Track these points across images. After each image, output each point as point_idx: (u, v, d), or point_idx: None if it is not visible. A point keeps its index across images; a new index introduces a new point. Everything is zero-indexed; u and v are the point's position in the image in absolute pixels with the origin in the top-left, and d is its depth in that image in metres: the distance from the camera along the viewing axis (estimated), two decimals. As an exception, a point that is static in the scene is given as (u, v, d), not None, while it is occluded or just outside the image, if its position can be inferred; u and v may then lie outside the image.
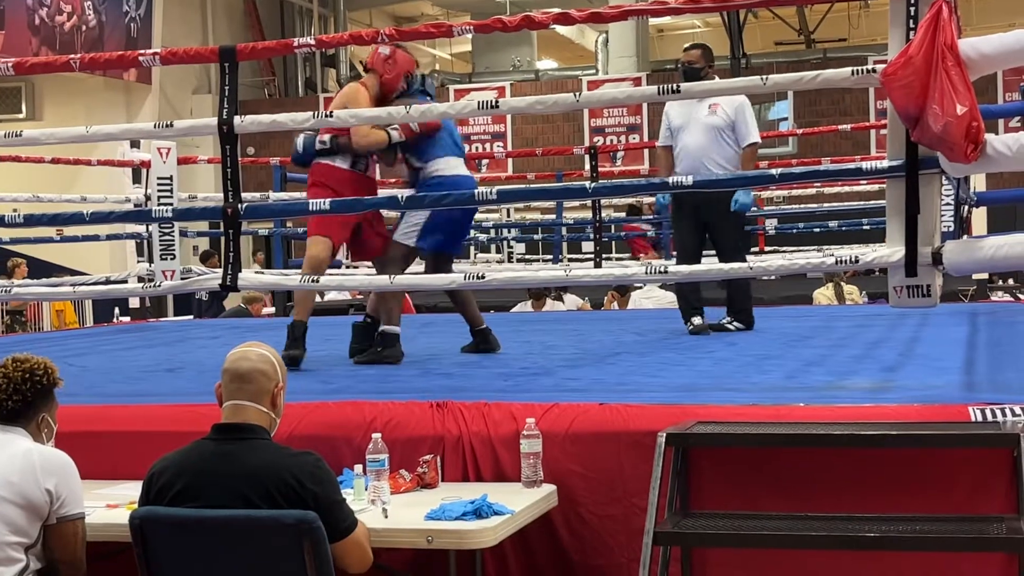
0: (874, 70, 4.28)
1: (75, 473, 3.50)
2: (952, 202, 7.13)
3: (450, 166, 6.08)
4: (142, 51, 5.37)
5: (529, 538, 3.90)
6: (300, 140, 6.08)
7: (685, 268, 4.89)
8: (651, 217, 14.55)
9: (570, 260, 15.13)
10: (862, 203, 13.67)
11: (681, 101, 6.88)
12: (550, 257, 16.33)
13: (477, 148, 21.93)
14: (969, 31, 4.94)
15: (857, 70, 4.40)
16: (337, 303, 13.07)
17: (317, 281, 5.31)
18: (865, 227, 13.01)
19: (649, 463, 3.68)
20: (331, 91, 23.64)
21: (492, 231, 16.67)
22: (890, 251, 4.26)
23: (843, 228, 13.39)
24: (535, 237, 16.45)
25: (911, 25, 4.14)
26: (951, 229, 7.18)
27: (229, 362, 3.43)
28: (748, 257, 7.16)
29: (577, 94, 4.85)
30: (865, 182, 12.26)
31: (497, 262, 17.27)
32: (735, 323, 7.21)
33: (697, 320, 7.08)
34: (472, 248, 17.60)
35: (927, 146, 4.10)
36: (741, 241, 7.31)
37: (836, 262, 4.63)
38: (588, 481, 3.93)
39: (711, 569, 3.84)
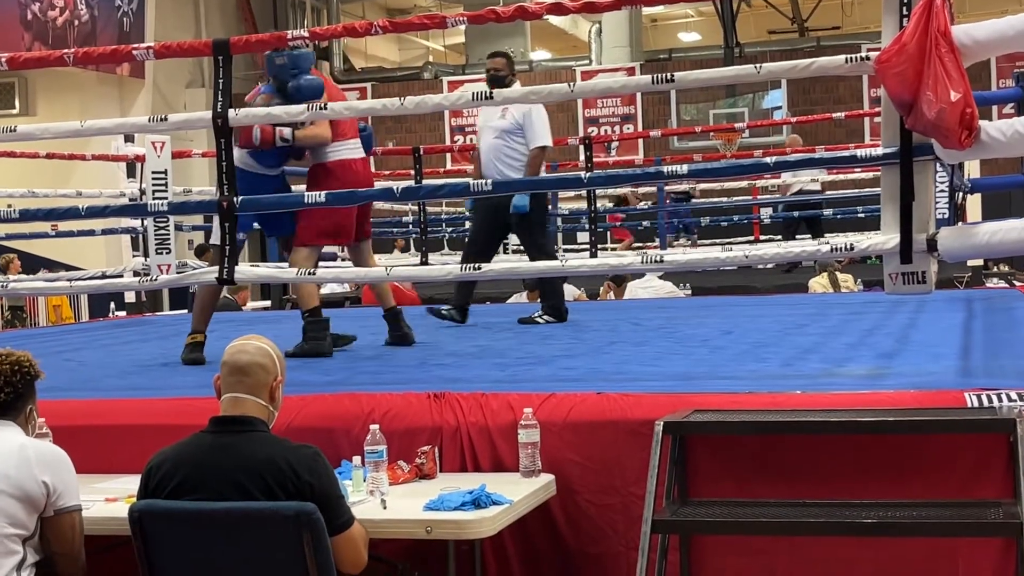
0: (868, 57, 4.28)
1: (70, 467, 3.51)
2: (946, 189, 7.15)
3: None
4: (136, 45, 5.37)
5: (528, 528, 3.90)
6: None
7: (682, 257, 4.90)
8: (636, 208, 14.58)
9: (565, 250, 15.11)
10: (857, 191, 13.70)
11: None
12: (545, 248, 16.32)
13: (471, 139, 21.92)
14: (962, 18, 4.94)
15: (851, 58, 4.40)
16: (334, 296, 13.09)
17: (313, 274, 5.32)
18: (860, 215, 13.05)
19: (646, 452, 3.69)
20: (325, 84, 23.60)
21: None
22: (885, 238, 4.27)
23: (838, 216, 13.42)
24: (530, 228, 16.44)
25: (904, 12, 4.15)
26: (946, 216, 7.21)
27: (228, 355, 3.44)
28: (741, 246, 7.16)
29: (572, 84, 4.86)
30: (859, 170, 12.30)
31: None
32: (545, 316, 7.40)
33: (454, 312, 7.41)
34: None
35: (921, 133, 4.11)
36: (543, 239, 7.55)
37: (832, 250, 4.64)
38: (586, 470, 3.94)
39: (709, 556, 3.85)
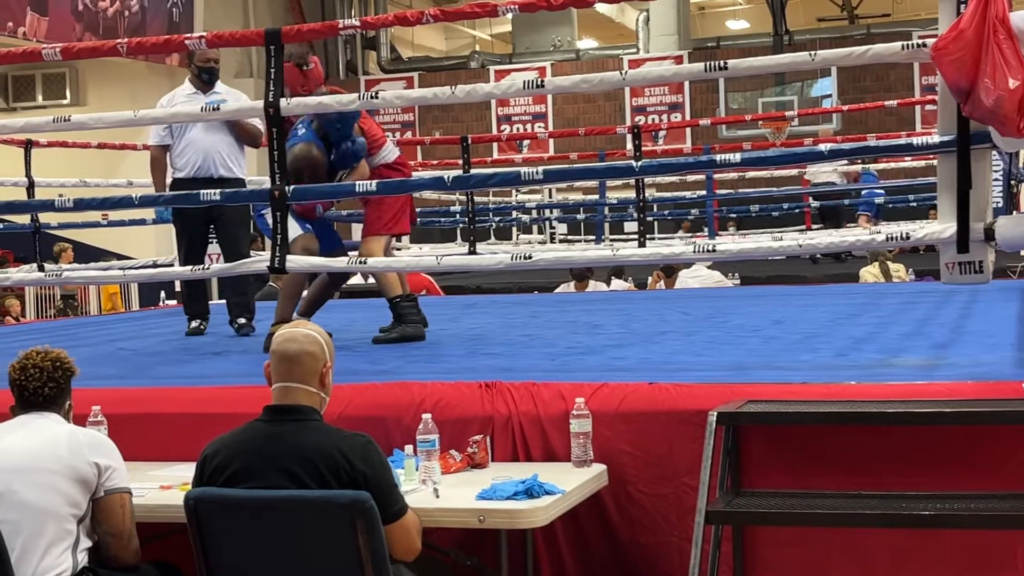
0: (924, 44, 4.23)
1: (118, 452, 3.59)
2: (1002, 177, 7.07)
3: None
4: (188, 35, 5.39)
5: (580, 517, 3.90)
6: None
7: (733, 247, 4.86)
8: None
9: (613, 240, 15.07)
10: (908, 180, 13.58)
11: (189, 97, 6.93)
12: (592, 238, 16.31)
13: (518, 128, 21.92)
14: (1020, 5, 4.87)
15: (907, 45, 4.35)
16: (375, 285, 13.09)
17: (366, 263, 5.33)
18: (912, 203, 12.93)
19: (699, 442, 3.67)
20: (372, 73, 23.69)
21: (535, 212, 16.67)
22: (942, 227, 4.22)
23: (889, 204, 13.30)
24: (577, 217, 16.42)
25: (962, -1, 4.09)
26: (1001, 205, 7.12)
27: (277, 344, 3.45)
28: (792, 236, 7.10)
29: (623, 72, 4.83)
30: (910, 158, 12.19)
31: (540, 243, 17.27)
32: (239, 320, 7.09)
33: (195, 323, 7.21)
34: (515, 229, 17.62)
35: (979, 121, 4.05)
36: (245, 237, 7.32)
37: (887, 239, 4.59)
38: (638, 460, 3.93)
39: (762, 547, 3.82)
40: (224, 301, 7.31)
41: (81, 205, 5.60)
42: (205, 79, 6.98)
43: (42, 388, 3.58)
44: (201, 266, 5.86)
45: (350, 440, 3.31)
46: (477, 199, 12.06)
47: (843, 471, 3.73)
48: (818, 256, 12.47)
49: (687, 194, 14.44)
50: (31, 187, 9.69)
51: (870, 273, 11.22)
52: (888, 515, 3.49)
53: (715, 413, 3.66)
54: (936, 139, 4.25)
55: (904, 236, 4.47)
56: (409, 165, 6.15)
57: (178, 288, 13.59)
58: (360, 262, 5.36)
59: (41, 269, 8.74)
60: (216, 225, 7.07)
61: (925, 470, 3.66)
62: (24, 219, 9.94)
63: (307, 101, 5.35)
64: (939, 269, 4.36)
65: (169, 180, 7.01)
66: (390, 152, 6.04)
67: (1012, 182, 7.15)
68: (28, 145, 9.75)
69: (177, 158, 6.95)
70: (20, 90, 20.28)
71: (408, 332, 5.98)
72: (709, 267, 11.26)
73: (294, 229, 5.82)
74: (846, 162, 13.12)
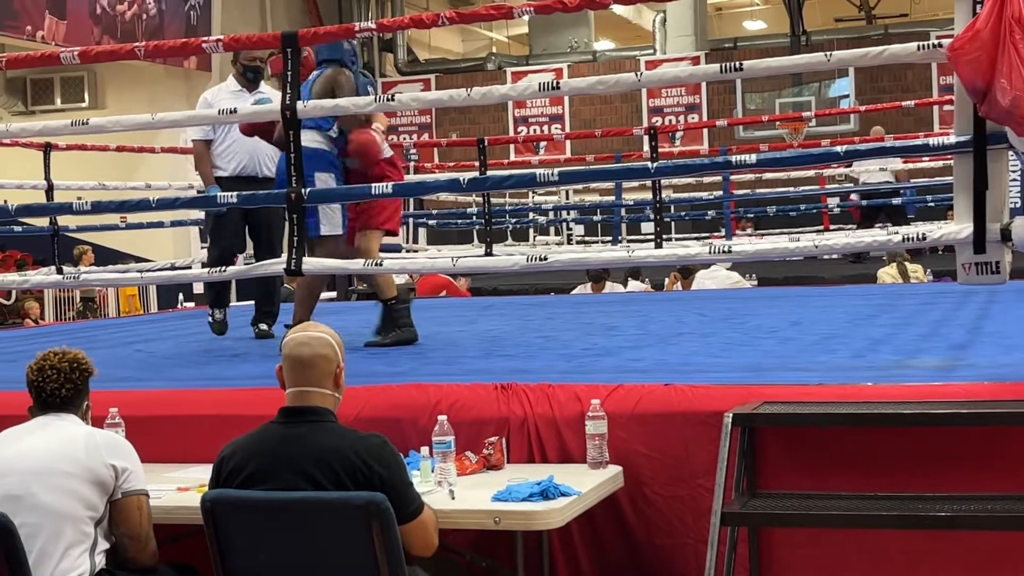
0: (940, 45, 4.22)
1: (135, 454, 3.59)
2: (1019, 178, 7.03)
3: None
4: (205, 38, 5.41)
5: (595, 519, 3.90)
6: None
7: (750, 247, 4.86)
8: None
9: (629, 242, 15.05)
10: (926, 180, 13.54)
11: (233, 94, 6.80)
12: (609, 239, 16.30)
13: (535, 130, 21.91)
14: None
15: (923, 45, 4.34)
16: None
17: (381, 264, 5.34)
18: (930, 204, 12.88)
19: (715, 444, 3.67)
20: (389, 76, 23.72)
21: (551, 213, 16.67)
22: (958, 228, 4.21)
23: (909, 205, 13.25)
24: (594, 219, 16.42)
25: (978, -1, 4.08)
26: (1018, 205, 7.08)
27: (289, 348, 3.45)
28: (809, 236, 7.09)
29: (639, 74, 4.82)
30: (928, 159, 12.15)
31: (556, 244, 17.27)
32: (261, 325, 7.04)
33: (218, 314, 7.08)
34: (532, 230, 17.62)
35: (995, 121, 4.04)
36: (281, 239, 6.95)
37: (903, 239, 4.57)
38: (654, 462, 3.93)
39: (779, 549, 3.82)
40: (246, 303, 7.28)
41: (99, 208, 5.63)
42: (250, 78, 6.86)
43: (59, 389, 3.58)
44: (218, 268, 5.87)
45: (365, 441, 3.32)
46: (494, 201, 12.06)
47: (859, 472, 3.72)
48: (866, 254, 12.28)
49: (704, 195, 14.41)
50: (50, 190, 9.74)
51: (888, 274, 11.19)
52: (904, 516, 3.48)
53: (731, 414, 3.66)
54: (952, 139, 4.24)
55: (921, 237, 4.46)
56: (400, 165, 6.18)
57: (197, 290, 13.67)
58: (376, 264, 5.36)
59: (60, 272, 8.78)
60: (251, 226, 7.03)
61: (942, 471, 3.65)
62: (43, 222, 10.00)
63: (324, 103, 5.37)
64: (956, 270, 4.35)
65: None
66: (386, 148, 6.06)
67: (1030, 182, 7.12)
68: (47, 148, 9.81)
69: (220, 157, 6.88)
70: (39, 93, 20.35)
71: (402, 336, 5.97)
72: (729, 268, 11.23)
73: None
74: (900, 161, 13.05)
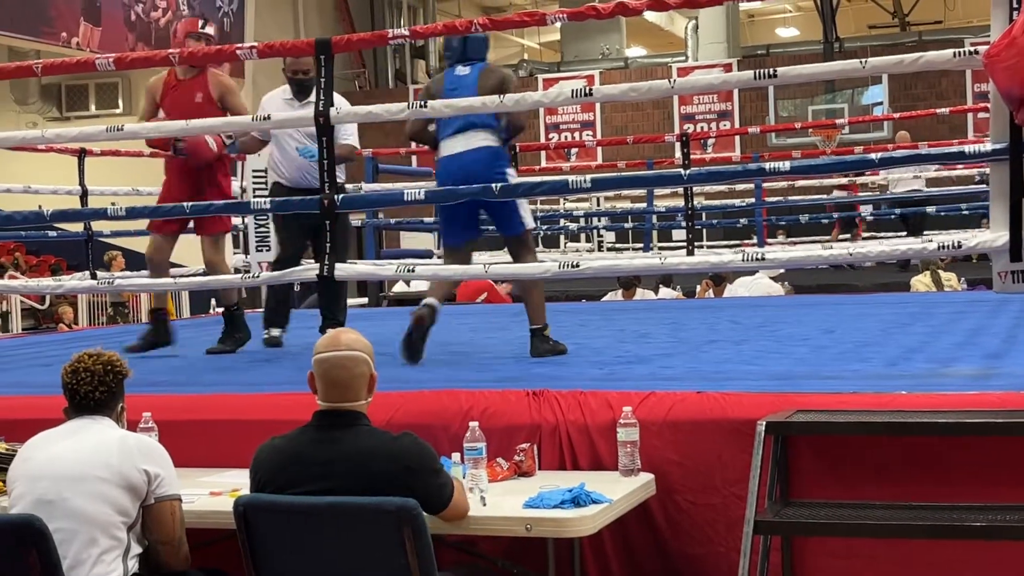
0: (976, 52, 4.20)
1: (169, 458, 3.60)
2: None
3: (446, 148, 5.77)
4: (240, 45, 5.44)
5: (627, 527, 3.88)
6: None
7: (783, 255, 4.84)
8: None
9: (661, 249, 15.02)
10: (960, 188, 13.45)
11: (285, 103, 6.69)
12: (640, 246, 16.26)
13: (566, 137, 21.93)
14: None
15: (959, 52, 4.32)
16: (424, 293, 13.14)
17: (413, 270, 5.34)
18: (964, 212, 12.79)
19: (747, 452, 3.65)
20: (421, 82, 23.78)
21: (582, 220, 16.65)
22: (994, 236, 4.18)
23: (941, 213, 13.17)
24: (625, 226, 16.39)
25: (1015, 5, 4.05)
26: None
27: (324, 369, 3.46)
28: (843, 244, 7.05)
29: (672, 81, 4.81)
30: (962, 166, 12.07)
31: (587, 251, 17.25)
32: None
33: (275, 331, 6.86)
34: (563, 237, 17.61)
35: (1032, 128, 4.01)
36: (344, 244, 6.75)
37: (938, 248, 4.55)
38: (686, 470, 3.91)
39: (811, 558, 3.79)
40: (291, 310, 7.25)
41: (133, 214, 5.68)
42: (295, 88, 6.70)
43: (93, 392, 3.59)
44: (249, 274, 5.89)
45: (399, 442, 3.36)
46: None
47: (893, 482, 3.70)
48: (914, 262, 12.19)
49: (736, 202, 14.37)
50: (84, 196, 9.81)
51: (921, 282, 11.12)
52: (938, 526, 3.45)
53: (764, 423, 3.64)
54: (988, 147, 4.21)
55: (956, 245, 4.43)
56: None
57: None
58: (409, 270, 5.37)
59: (94, 277, 8.83)
60: (316, 234, 6.89)
61: (976, 481, 3.62)
62: (77, 227, 10.06)
63: (356, 110, 5.39)
64: (991, 278, 4.32)
65: (270, 182, 6.98)
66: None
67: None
68: (82, 154, 9.88)
69: (279, 165, 6.85)
70: (74, 99, 20.53)
71: (243, 339, 6.39)
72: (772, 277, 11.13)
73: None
74: (936, 169, 12.98)
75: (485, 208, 5.72)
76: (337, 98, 6.69)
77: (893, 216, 14.10)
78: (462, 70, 5.70)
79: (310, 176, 6.52)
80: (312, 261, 6.57)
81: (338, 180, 6.62)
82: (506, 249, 6.13)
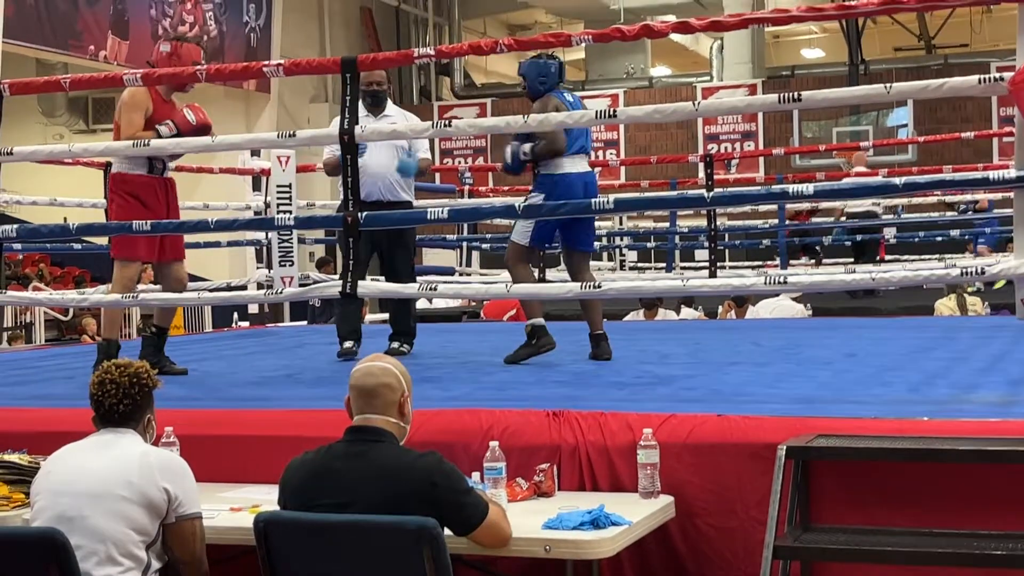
0: (1001, 78, 4.19)
1: (191, 475, 3.59)
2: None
3: (571, 165, 6.20)
4: (266, 62, 5.47)
5: (646, 549, 3.88)
6: (508, 150, 6.25)
7: (806, 279, 4.83)
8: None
9: (683, 268, 14.99)
10: (985, 212, 13.40)
11: (361, 118, 6.66)
12: (662, 265, 16.24)
13: (590, 156, 21.92)
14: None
15: (984, 78, 4.31)
16: (451, 310, 13.18)
17: (435, 288, 5.36)
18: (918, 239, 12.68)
19: (768, 476, 3.64)
20: (445, 99, 23.85)
21: (605, 239, 16.63)
22: (1018, 262, 4.17)
23: (966, 237, 13.12)
24: (648, 245, 16.37)
25: (1041, 31, 4.05)
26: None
27: (355, 379, 3.52)
28: (867, 266, 7.04)
29: (696, 103, 4.82)
30: (986, 191, 12.03)
31: (610, 270, 17.23)
32: (404, 345, 6.86)
33: (348, 344, 6.73)
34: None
35: (1057, 155, 4.00)
36: (411, 264, 6.95)
37: (961, 273, 4.54)
38: (706, 493, 3.90)
39: (831, 584, 3.78)
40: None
41: (158, 228, 5.70)
42: (369, 103, 6.62)
43: (118, 405, 3.57)
44: (272, 290, 5.91)
45: (424, 460, 3.37)
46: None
47: (914, 508, 3.68)
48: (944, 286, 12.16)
49: (759, 223, 14.34)
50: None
51: (945, 306, 11.06)
52: (960, 554, 3.43)
53: (784, 447, 3.63)
54: (1013, 173, 4.21)
55: (980, 271, 4.42)
56: None
57: (252, 310, 13.77)
58: (431, 288, 5.39)
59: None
60: (380, 248, 6.80)
61: (998, 509, 3.60)
62: (102, 240, 10.12)
63: (382, 128, 5.41)
64: (1015, 303, 4.30)
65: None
66: None
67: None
68: (107, 167, 9.92)
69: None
70: (100, 112, 20.65)
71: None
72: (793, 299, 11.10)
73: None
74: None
75: (570, 223, 6.18)
76: (408, 114, 6.77)
77: (847, 243, 14.05)
78: (568, 96, 6.22)
79: (383, 189, 6.66)
80: (381, 278, 6.67)
81: (405, 196, 6.75)
82: (564, 265, 6.66)
